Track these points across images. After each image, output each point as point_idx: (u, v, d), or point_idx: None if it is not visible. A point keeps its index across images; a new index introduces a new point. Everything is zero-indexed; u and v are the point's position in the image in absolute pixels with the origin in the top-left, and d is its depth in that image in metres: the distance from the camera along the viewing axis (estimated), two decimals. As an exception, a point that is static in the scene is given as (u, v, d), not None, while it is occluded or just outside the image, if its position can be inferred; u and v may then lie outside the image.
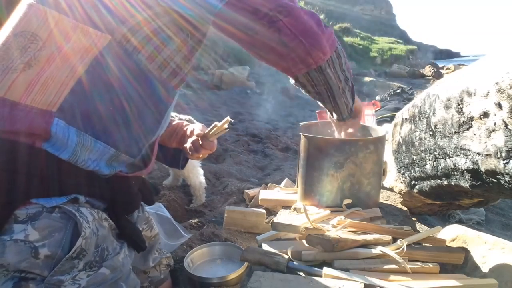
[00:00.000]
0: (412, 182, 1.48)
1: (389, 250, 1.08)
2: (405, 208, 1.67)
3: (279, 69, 0.91)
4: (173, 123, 1.30)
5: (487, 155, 0.95)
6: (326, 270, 1.01)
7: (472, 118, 1.01)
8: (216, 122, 1.20)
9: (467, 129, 1.04)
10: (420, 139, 1.34)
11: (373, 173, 1.47)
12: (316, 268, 1.03)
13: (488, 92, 0.93)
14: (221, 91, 8.24)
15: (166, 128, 1.12)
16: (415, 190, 1.48)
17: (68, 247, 0.77)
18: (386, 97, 3.95)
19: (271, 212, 1.84)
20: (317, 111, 2.92)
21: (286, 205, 1.62)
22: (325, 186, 1.46)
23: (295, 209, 1.52)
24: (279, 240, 1.27)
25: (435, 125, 1.22)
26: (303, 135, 1.52)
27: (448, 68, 16.43)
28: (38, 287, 0.75)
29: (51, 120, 0.77)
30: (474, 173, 1.04)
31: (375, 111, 3.04)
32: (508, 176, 0.90)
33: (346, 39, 20.76)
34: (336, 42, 0.92)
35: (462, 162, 1.08)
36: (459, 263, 1.13)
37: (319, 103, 1.07)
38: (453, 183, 1.18)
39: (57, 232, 0.77)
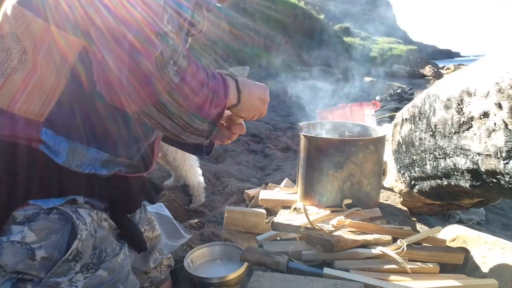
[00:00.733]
0: (412, 182, 1.48)
1: (389, 250, 1.08)
2: (405, 208, 1.67)
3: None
4: None
5: (487, 155, 0.95)
6: (326, 270, 1.01)
7: (472, 118, 1.01)
8: None
9: (467, 129, 1.04)
10: (420, 139, 1.34)
11: (373, 173, 1.47)
12: (316, 268, 1.03)
13: (488, 92, 0.93)
14: (221, 91, 8.22)
15: None
16: (415, 190, 1.48)
17: (65, 249, 0.77)
18: (386, 97, 3.94)
19: (271, 212, 1.84)
20: (317, 111, 2.93)
21: (286, 205, 1.62)
22: (325, 186, 1.46)
23: (295, 209, 1.52)
24: (279, 240, 1.27)
25: (435, 125, 1.22)
26: (303, 135, 1.52)
27: (448, 68, 16.43)
28: None
29: (40, 129, 0.77)
30: (474, 173, 1.04)
31: (375, 111, 3.04)
32: (508, 176, 0.90)
33: (346, 39, 20.74)
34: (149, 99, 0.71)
35: (462, 162, 1.08)
36: (459, 263, 1.13)
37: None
38: (453, 183, 1.18)
39: (54, 234, 0.77)
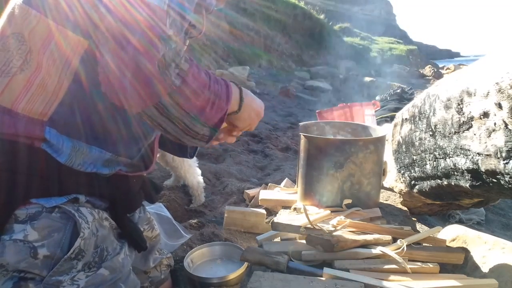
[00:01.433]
0: (412, 182, 1.48)
1: (389, 250, 1.08)
2: (405, 208, 1.67)
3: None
4: None
5: (487, 155, 0.95)
6: (326, 270, 1.01)
7: (472, 118, 1.01)
8: None
9: (467, 129, 1.04)
10: (420, 139, 1.34)
11: (373, 173, 1.47)
12: (316, 268, 1.03)
13: (488, 92, 0.93)
14: (221, 91, 8.22)
15: None
16: (415, 190, 1.48)
17: (67, 247, 0.77)
18: (386, 97, 3.94)
19: (271, 212, 1.84)
20: (317, 111, 2.93)
21: (286, 205, 1.62)
22: (325, 186, 1.46)
23: (295, 209, 1.52)
24: (279, 240, 1.27)
25: (435, 125, 1.22)
26: (303, 135, 1.52)
27: (448, 68, 16.45)
28: (37, 287, 0.74)
29: (43, 128, 0.77)
30: (474, 173, 1.04)
31: (375, 111, 3.04)
32: (508, 176, 0.90)
33: (346, 39, 20.75)
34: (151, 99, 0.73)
35: (462, 162, 1.08)
36: (459, 263, 1.13)
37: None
38: (453, 183, 1.18)
39: (56, 232, 0.77)
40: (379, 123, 2.92)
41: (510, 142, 0.87)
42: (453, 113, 1.10)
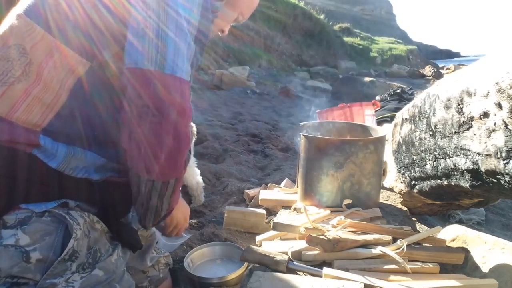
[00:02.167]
0: (412, 182, 1.48)
1: (389, 250, 1.08)
2: (405, 208, 1.67)
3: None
4: None
5: (487, 155, 0.95)
6: (326, 270, 1.01)
7: (472, 118, 1.01)
8: None
9: (467, 129, 1.04)
10: (420, 139, 1.34)
11: (373, 173, 1.47)
12: (316, 268, 1.03)
13: (488, 92, 0.93)
14: (221, 91, 8.24)
15: None
16: (415, 190, 1.48)
17: (59, 250, 0.77)
18: (386, 97, 3.94)
19: (271, 212, 1.84)
20: (317, 111, 2.93)
21: (286, 205, 1.62)
22: (325, 186, 1.46)
23: (295, 209, 1.52)
24: (279, 240, 1.27)
25: (435, 125, 1.22)
26: (303, 135, 1.52)
27: (448, 68, 16.44)
28: None
29: (38, 136, 0.78)
30: (474, 173, 1.04)
31: (375, 111, 3.04)
32: (508, 176, 0.89)
33: (346, 39, 20.75)
34: (176, 175, 0.84)
35: (462, 162, 1.08)
36: (459, 263, 1.13)
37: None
38: (453, 183, 1.18)
39: (48, 236, 0.77)
40: (379, 123, 2.91)
41: (510, 142, 0.87)
42: (453, 113, 1.10)
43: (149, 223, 0.90)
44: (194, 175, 2.26)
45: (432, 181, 1.32)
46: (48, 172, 0.79)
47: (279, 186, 1.95)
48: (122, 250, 0.93)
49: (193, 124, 2.20)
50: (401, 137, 1.53)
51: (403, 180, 1.56)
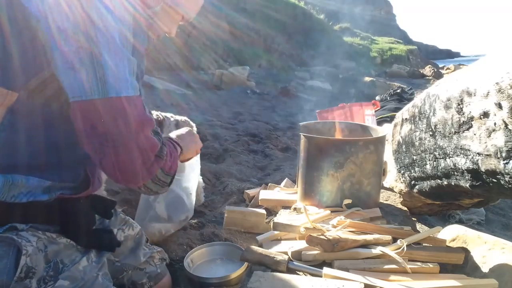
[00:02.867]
0: (412, 182, 1.48)
1: (389, 250, 1.08)
2: (405, 208, 1.67)
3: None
4: None
5: (487, 155, 0.95)
6: (326, 270, 1.01)
7: (472, 118, 1.01)
8: None
9: (467, 129, 1.04)
10: (420, 139, 1.34)
11: (373, 173, 1.47)
12: (316, 268, 1.03)
13: (488, 92, 0.93)
14: (221, 91, 8.24)
15: None
16: (415, 190, 1.48)
17: (13, 271, 0.75)
18: (386, 97, 3.93)
19: (271, 212, 1.84)
20: (317, 111, 2.92)
21: (286, 205, 1.62)
22: (325, 186, 1.46)
23: (295, 209, 1.52)
24: (279, 240, 1.27)
25: (435, 125, 1.22)
26: (303, 135, 1.52)
27: (448, 68, 16.44)
28: None
29: None
30: (474, 173, 1.04)
31: (375, 111, 3.03)
32: (508, 176, 0.89)
33: (346, 39, 20.74)
34: (153, 173, 0.88)
35: (462, 162, 1.08)
36: (459, 263, 1.13)
37: None
38: (453, 183, 1.18)
39: None
40: (379, 123, 2.91)
41: (510, 142, 0.87)
42: (453, 113, 1.10)
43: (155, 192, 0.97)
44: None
45: (432, 181, 1.32)
46: None
47: (279, 186, 1.95)
48: (97, 254, 0.92)
49: (193, 124, 2.20)
50: (401, 137, 1.53)
51: (403, 180, 1.56)
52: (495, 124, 0.91)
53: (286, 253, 1.12)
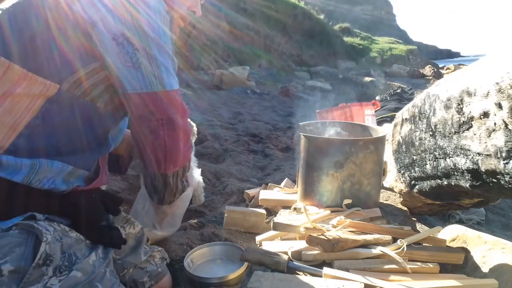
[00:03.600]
0: (412, 182, 1.48)
1: (389, 250, 1.08)
2: (405, 208, 1.67)
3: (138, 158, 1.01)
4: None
5: (487, 155, 0.95)
6: (326, 270, 1.01)
7: (472, 118, 1.01)
8: None
9: (467, 129, 1.04)
10: (420, 139, 1.34)
11: (373, 173, 1.47)
12: (316, 268, 1.03)
13: (488, 92, 0.93)
14: (221, 91, 8.24)
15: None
16: (415, 190, 1.48)
17: (31, 258, 0.76)
18: (386, 97, 3.93)
19: (271, 212, 1.84)
20: (317, 111, 2.92)
21: (286, 205, 1.62)
22: (325, 186, 1.46)
23: (295, 209, 1.52)
24: (279, 240, 1.27)
25: (435, 125, 1.22)
26: (303, 135, 1.52)
27: (448, 68, 16.45)
28: None
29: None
30: (474, 173, 1.04)
31: (375, 111, 3.03)
32: (508, 176, 0.90)
33: (346, 39, 20.75)
34: (188, 159, 1.03)
35: (462, 162, 1.08)
36: (459, 263, 1.13)
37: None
38: (453, 183, 1.18)
39: (18, 247, 0.76)
40: (379, 123, 2.91)
41: (510, 142, 0.87)
42: (453, 113, 1.10)
43: (168, 200, 1.05)
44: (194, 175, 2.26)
45: (432, 181, 1.32)
46: (13, 188, 0.79)
47: (279, 186, 1.95)
48: (104, 251, 0.94)
49: (193, 124, 2.20)
50: (401, 137, 1.53)
51: (403, 180, 1.56)
52: (495, 124, 0.91)
53: (286, 253, 1.12)
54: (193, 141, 2.27)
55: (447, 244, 1.25)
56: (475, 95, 1.00)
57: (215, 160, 3.31)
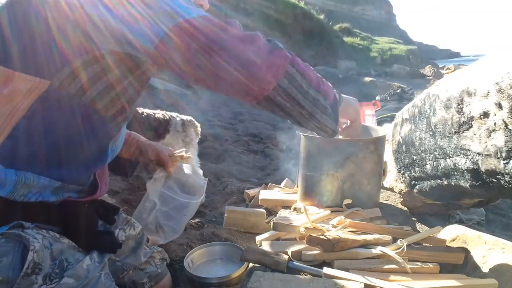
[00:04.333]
0: (412, 182, 1.48)
1: (389, 250, 1.08)
2: (405, 208, 1.67)
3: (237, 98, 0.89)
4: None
5: (487, 155, 0.95)
6: (326, 270, 1.01)
7: (472, 118, 1.01)
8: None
9: (467, 129, 1.04)
10: (420, 139, 1.34)
11: (373, 173, 1.47)
12: (316, 268, 1.03)
13: (488, 92, 0.93)
14: (221, 91, 8.21)
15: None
16: (415, 190, 1.48)
17: (19, 267, 0.75)
18: (386, 97, 3.94)
19: (271, 212, 1.84)
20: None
21: (286, 205, 1.62)
22: (325, 186, 1.46)
23: (295, 209, 1.52)
24: (279, 240, 1.27)
25: (435, 125, 1.22)
26: (303, 135, 1.52)
27: (448, 68, 16.45)
28: None
29: None
30: (474, 173, 1.04)
31: (375, 111, 3.03)
32: (508, 176, 0.90)
33: (346, 39, 20.74)
34: (284, 67, 0.85)
35: (462, 162, 1.08)
36: (459, 263, 1.13)
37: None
38: (453, 183, 1.18)
39: (4, 257, 0.75)
40: (379, 123, 2.91)
41: (510, 142, 0.87)
42: (453, 113, 1.10)
43: (332, 125, 0.97)
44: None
45: (432, 181, 1.32)
46: None
47: (279, 186, 1.95)
48: (99, 254, 0.92)
49: (197, 124, 2.21)
50: (401, 137, 1.53)
51: (403, 180, 1.56)
52: (495, 124, 0.91)
53: (286, 253, 1.12)
54: (197, 140, 2.28)
55: (447, 244, 1.25)
56: (475, 95, 1.00)
57: (215, 160, 3.32)
